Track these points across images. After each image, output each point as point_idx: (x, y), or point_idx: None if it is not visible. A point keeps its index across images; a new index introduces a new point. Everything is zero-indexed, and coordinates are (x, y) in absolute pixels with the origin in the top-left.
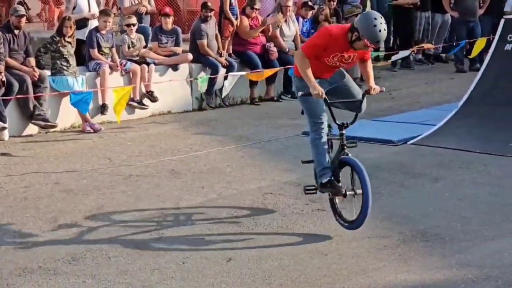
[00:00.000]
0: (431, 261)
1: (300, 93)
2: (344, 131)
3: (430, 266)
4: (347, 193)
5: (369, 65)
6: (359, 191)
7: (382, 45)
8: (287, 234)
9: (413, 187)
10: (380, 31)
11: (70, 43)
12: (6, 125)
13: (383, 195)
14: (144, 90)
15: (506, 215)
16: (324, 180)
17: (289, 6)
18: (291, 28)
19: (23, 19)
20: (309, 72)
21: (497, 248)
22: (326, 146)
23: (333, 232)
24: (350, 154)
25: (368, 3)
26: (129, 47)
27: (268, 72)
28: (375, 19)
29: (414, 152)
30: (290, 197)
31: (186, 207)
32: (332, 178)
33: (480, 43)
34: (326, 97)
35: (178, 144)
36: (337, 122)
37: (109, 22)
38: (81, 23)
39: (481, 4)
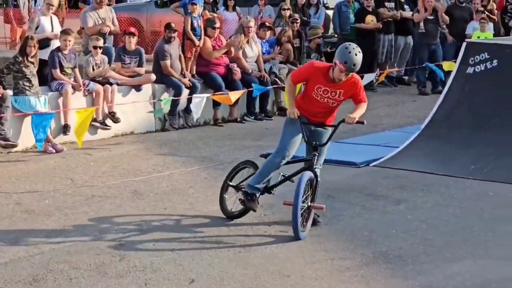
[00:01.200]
0: (394, 283)
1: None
2: (316, 152)
3: (392, 287)
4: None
5: (361, 105)
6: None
7: (354, 69)
8: (249, 256)
9: (375, 209)
10: (350, 53)
11: (32, 63)
12: None
13: (345, 217)
14: (107, 111)
15: (467, 237)
16: (250, 191)
17: (251, 27)
18: (253, 49)
19: None
20: (291, 95)
21: (459, 270)
22: (273, 173)
23: (295, 253)
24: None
25: (331, 26)
26: (93, 69)
27: (235, 95)
28: (349, 45)
29: (377, 174)
30: (253, 218)
31: (148, 228)
32: (256, 196)
33: (449, 67)
34: (298, 116)
35: (140, 165)
36: (311, 142)
37: (70, 41)
38: (44, 43)
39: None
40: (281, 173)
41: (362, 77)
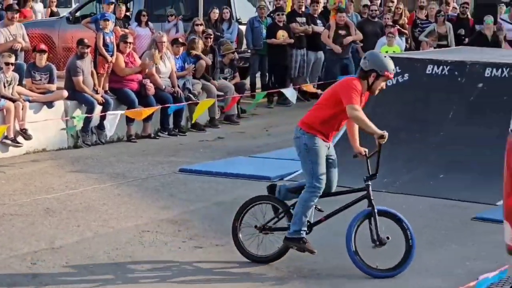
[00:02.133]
0: None
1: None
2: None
3: None
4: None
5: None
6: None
7: None
8: (164, 272)
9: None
10: (386, 58)
11: None
12: None
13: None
14: (18, 128)
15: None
16: (298, 236)
17: (163, 42)
18: (166, 65)
19: None
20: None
21: (374, 283)
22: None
23: (210, 270)
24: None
25: (244, 41)
26: (4, 86)
27: (147, 111)
28: (380, 52)
29: None
30: (167, 235)
31: (61, 246)
32: (306, 239)
33: None
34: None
35: (53, 182)
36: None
37: None
38: None
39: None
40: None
41: (279, 93)
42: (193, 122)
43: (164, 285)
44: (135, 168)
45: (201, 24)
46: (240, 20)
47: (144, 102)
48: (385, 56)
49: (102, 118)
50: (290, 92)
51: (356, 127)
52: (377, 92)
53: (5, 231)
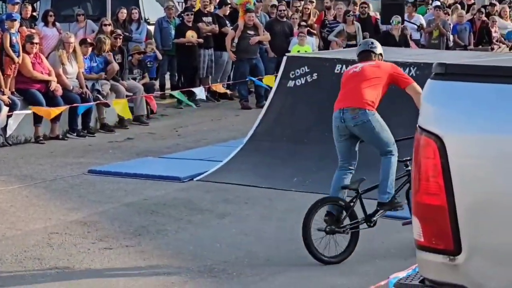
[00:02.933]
0: None
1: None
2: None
3: None
4: None
5: None
6: None
7: None
8: (74, 274)
9: (200, 223)
10: None
11: None
12: None
13: (170, 232)
14: None
15: (291, 249)
16: (392, 197)
17: (71, 43)
18: (73, 66)
19: None
20: None
21: (284, 281)
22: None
23: (120, 270)
24: None
25: (154, 43)
26: None
27: (56, 110)
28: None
29: (201, 188)
30: (76, 236)
31: None
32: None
33: (269, 81)
34: None
35: None
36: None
37: None
38: None
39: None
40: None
41: (191, 93)
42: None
43: (74, 287)
44: (43, 170)
45: (109, 24)
46: (148, 20)
47: (51, 103)
48: None
49: (9, 119)
50: (198, 90)
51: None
52: None
53: None
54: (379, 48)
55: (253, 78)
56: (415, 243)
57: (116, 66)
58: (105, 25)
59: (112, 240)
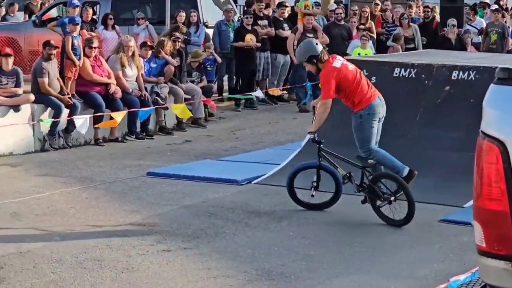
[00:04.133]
0: None
1: None
2: None
3: None
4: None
5: (318, 107)
6: None
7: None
8: (132, 276)
9: (257, 227)
10: None
11: None
12: None
13: (228, 234)
14: None
15: (350, 253)
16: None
17: (130, 46)
18: (133, 69)
19: None
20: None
21: (341, 285)
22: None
23: (179, 272)
24: None
25: (212, 46)
26: None
27: (119, 115)
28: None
29: (259, 191)
30: (135, 238)
31: (28, 251)
32: None
33: None
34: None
35: (20, 186)
36: None
37: None
38: None
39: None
40: None
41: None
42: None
43: None
44: (102, 172)
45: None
46: (206, 23)
47: (111, 106)
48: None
49: (69, 121)
50: (256, 92)
51: None
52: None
53: None
54: None
55: (309, 84)
56: (476, 249)
57: (172, 68)
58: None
59: (170, 242)
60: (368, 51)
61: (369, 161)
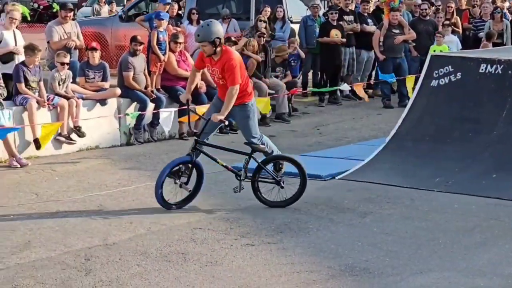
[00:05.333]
0: None
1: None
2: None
3: None
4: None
5: (227, 95)
6: None
7: (198, 39)
8: (216, 269)
9: (341, 222)
10: (201, 26)
11: None
12: None
13: (311, 230)
14: (72, 125)
15: (433, 250)
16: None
17: None
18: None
19: None
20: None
21: (425, 282)
22: None
23: (262, 266)
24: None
25: (296, 41)
26: (59, 84)
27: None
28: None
29: (342, 187)
30: (219, 232)
31: (114, 243)
32: None
33: (409, 82)
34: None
35: (106, 179)
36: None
37: (37, 58)
38: (7, 57)
39: (410, 43)
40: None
41: (330, 92)
42: (267, 115)
43: (217, 282)
44: None
45: (264, 21)
46: (291, 19)
47: (195, 100)
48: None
49: (154, 115)
50: (344, 86)
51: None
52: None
53: (59, 227)
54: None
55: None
56: None
57: (254, 61)
58: (260, 21)
59: (254, 237)
60: (443, 47)
61: (261, 145)
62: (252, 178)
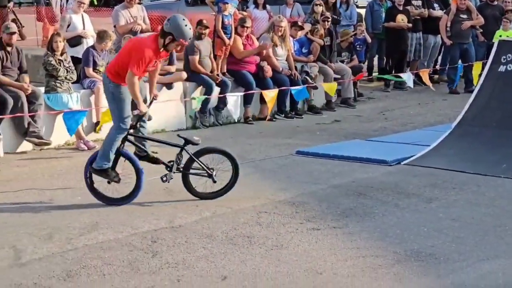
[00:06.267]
0: (426, 281)
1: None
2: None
3: (425, 286)
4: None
5: (155, 73)
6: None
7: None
8: (282, 253)
9: (406, 207)
10: (190, 29)
11: (62, 60)
12: (0, 136)
13: (377, 214)
14: None
15: (500, 236)
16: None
17: (281, 27)
18: (283, 48)
19: (14, 36)
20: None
21: (492, 268)
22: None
23: (328, 251)
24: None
25: (363, 26)
26: None
27: (272, 93)
28: (184, 20)
29: (408, 172)
30: (284, 216)
31: (180, 226)
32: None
33: (476, 68)
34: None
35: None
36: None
37: (108, 44)
38: (75, 41)
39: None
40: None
41: (396, 77)
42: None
43: (282, 266)
44: (252, 150)
45: (320, 5)
46: (356, 3)
47: (261, 85)
48: (186, 25)
49: (220, 99)
50: (406, 76)
51: (154, 76)
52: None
53: (126, 210)
54: (170, 27)
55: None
56: None
57: (318, 45)
58: (317, 5)
59: (319, 221)
60: (509, 33)
61: (195, 138)
62: (184, 170)
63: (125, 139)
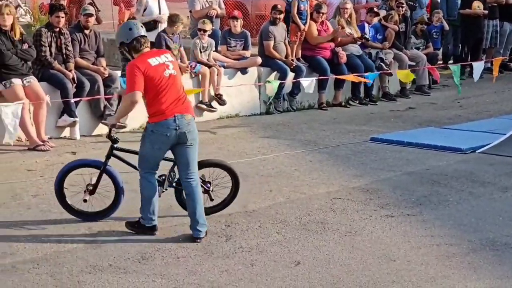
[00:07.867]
0: (501, 270)
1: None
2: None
3: (500, 275)
4: None
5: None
6: None
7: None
8: (355, 239)
9: (481, 196)
10: (137, 28)
11: None
12: (77, 119)
13: (451, 203)
14: (212, 93)
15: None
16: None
17: (347, 9)
18: (352, 30)
19: (91, 19)
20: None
21: None
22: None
23: (402, 238)
24: None
25: (441, 13)
26: (200, 52)
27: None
28: (127, 24)
29: (483, 160)
30: (358, 203)
31: (254, 210)
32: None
33: None
34: None
35: (245, 147)
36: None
37: (179, 28)
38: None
39: None
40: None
41: (470, 66)
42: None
43: (356, 252)
44: (326, 136)
45: None
46: None
47: (336, 70)
48: (130, 28)
49: (294, 84)
50: (478, 68)
51: None
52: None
53: None
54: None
55: None
56: None
57: (393, 31)
58: None
59: (393, 208)
60: None
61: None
62: (177, 186)
63: (109, 156)
